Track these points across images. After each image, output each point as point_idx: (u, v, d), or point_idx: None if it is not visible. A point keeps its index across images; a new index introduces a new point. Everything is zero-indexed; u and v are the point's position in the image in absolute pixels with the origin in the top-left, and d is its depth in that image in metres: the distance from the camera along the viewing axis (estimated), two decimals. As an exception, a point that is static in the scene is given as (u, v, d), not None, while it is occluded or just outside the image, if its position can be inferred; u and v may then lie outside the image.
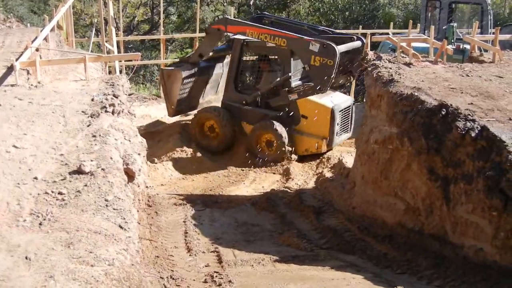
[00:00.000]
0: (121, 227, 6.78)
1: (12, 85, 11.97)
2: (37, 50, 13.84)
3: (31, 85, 12.11)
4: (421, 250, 10.09)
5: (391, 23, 24.52)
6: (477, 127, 9.50)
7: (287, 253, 10.58)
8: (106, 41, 19.33)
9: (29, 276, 5.62)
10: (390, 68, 12.75)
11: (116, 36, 21.05)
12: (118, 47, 21.39)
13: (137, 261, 6.46)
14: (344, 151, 17.59)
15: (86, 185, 7.57)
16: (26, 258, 5.95)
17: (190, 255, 10.49)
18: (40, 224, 6.70)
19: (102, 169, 7.98)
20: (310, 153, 17.54)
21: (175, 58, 33.75)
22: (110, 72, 18.05)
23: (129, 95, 13.66)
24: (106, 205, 7.14)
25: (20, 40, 15.47)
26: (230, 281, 8.78)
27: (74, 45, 19.14)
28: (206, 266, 9.89)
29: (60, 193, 7.39)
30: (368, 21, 33.04)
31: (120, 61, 21.06)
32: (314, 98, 17.11)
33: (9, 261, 5.88)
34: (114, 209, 7.10)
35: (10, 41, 15.59)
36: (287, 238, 11.49)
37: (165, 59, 28.15)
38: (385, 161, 11.67)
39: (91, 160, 8.17)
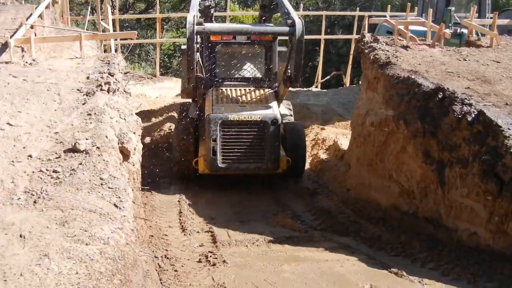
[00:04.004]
0: (116, 206, 6.75)
1: (6, 63, 11.89)
2: (31, 27, 13.72)
3: (26, 62, 12.02)
4: (415, 233, 10.12)
5: (389, 6, 24.38)
6: (473, 111, 9.51)
7: (281, 234, 10.60)
8: (101, 20, 19.20)
9: (24, 254, 5.57)
10: (387, 51, 12.72)
11: (112, 15, 20.93)
12: (113, 25, 21.28)
13: (132, 240, 6.42)
14: (339, 133, 17.52)
15: (81, 164, 7.52)
16: (21, 236, 5.90)
17: (184, 234, 10.50)
18: (35, 202, 6.66)
19: (97, 147, 7.93)
20: (201, 172, 13.56)
21: (171, 38, 33.64)
22: (105, 51, 17.95)
23: (125, 73, 13.57)
24: (101, 184, 7.10)
25: (14, 17, 15.31)
26: (224, 261, 8.79)
27: (69, 23, 18.98)
28: (200, 246, 9.90)
29: (55, 171, 7.35)
30: (366, 3, 32.86)
31: (116, 39, 20.93)
32: (212, 101, 13.67)
33: (3, 239, 5.83)
34: (109, 187, 7.06)
35: (4, 18, 15.43)
36: (282, 219, 11.48)
37: (161, 38, 27.99)
38: (380, 143, 11.69)
39: (86, 139, 8.11)
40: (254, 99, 13.85)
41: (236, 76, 14.64)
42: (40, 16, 14.93)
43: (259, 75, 14.71)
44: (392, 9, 25.47)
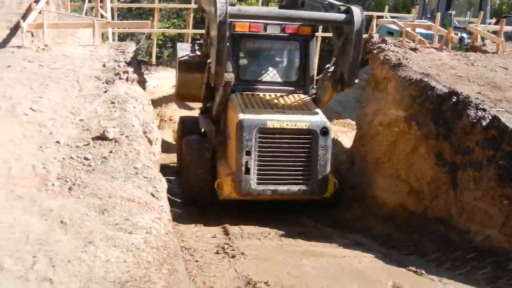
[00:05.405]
0: (153, 195, 6.79)
1: (18, 47, 11.82)
2: (40, 12, 13.61)
3: (38, 47, 11.94)
4: (425, 232, 10.22)
5: (386, 6, 24.52)
6: (488, 117, 9.66)
7: (292, 228, 10.74)
8: (100, 7, 19.06)
9: (67, 241, 5.56)
10: (397, 52, 12.86)
11: (111, 3, 20.76)
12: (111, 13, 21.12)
13: (169, 230, 6.46)
14: (337, 131, 17.58)
15: (111, 152, 7.54)
16: (61, 222, 5.89)
17: (195, 225, 10.50)
18: (70, 189, 6.65)
19: (126, 136, 7.95)
20: (225, 197, 11.20)
21: (161, 28, 33.47)
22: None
23: (140, 62, 13.39)
24: (136, 173, 7.13)
25: (20, 1, 15.15)
26: (243, 253, 8.84)
27: (69, 9, 18.84)
28: (213, 237, 9.96)
29: (85, 159, 7.36)
30: (359, 2, 32.91)
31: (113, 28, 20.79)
32: (239, 105, 11.27)
33: (43, 225, 5.82)
34: (144, 177, 7.09)
35: (9, 1, 15.26)
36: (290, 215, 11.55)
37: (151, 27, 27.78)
38: (389, 143, 11.81)
39: (114, 127, 8.13)
40: (292, 105, 11.65)
41: (264, 78, 12.39)
42: (46, 1, 14.80)
43: (292, 78, 12.58)
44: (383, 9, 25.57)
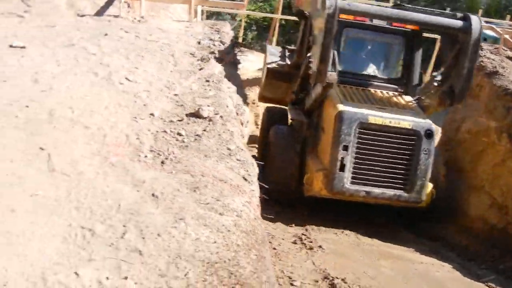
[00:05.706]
0: (245, 179, 6.74)
1: (115, 16, 12.02)
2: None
3: (134, 18, 12.10)
4: (506, 249, 9.87)
5: (480, 10, 23.85)
6: None
7: (367, 226, 10.61)
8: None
9: (158, 214, 5.58)
10: (493, 60, 12.48)
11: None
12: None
13: (258, 216, 6.42)
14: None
15: (205, 130, 7.54)
16: (153, 195, 5.93)
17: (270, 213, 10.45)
18: (162, 162, 6.68)
19: (221, 116, 7.94)
20: (313, 194, 10.44)
21: (247, 10, 33.55)
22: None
23: (234, 43, 13.29)
24: (229, 154, 7.10)
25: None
26: (320, 247, 8.77)
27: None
28: (290, 226, 9.91)
29: (179, 134, 7.39)
30: (449, 4, 32.14)
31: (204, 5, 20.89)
32: (338, 97, 10.49)
33: (136, 195, 5.87)
34: (237, 159, 7.05)
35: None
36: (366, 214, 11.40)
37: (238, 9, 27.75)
38: (476, 152, 11.51)
39: (208, 105, 8.13)
40: (394, 103, 10.78)
41: (365, 71, 11.75)
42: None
43: (395, 75, 11.83)
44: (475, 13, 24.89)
